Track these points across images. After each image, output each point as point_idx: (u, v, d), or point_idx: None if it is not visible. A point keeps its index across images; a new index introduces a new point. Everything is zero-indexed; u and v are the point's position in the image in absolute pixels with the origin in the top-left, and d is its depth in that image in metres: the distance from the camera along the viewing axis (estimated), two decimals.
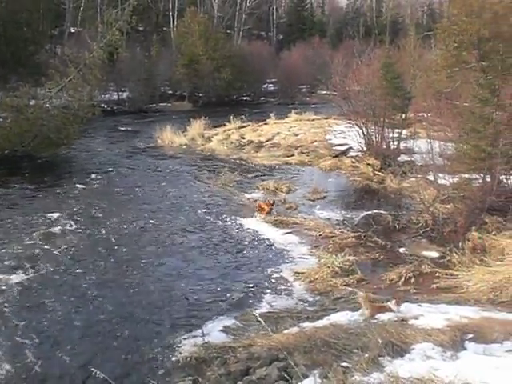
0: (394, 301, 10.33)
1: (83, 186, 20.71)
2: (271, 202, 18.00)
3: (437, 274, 12.66)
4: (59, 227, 16.01)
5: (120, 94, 45.55)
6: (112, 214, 17.57)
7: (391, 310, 10.07)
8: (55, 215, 16.97)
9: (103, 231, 16.05)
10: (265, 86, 57.79)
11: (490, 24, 19.46)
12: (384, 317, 9.78)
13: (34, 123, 23.64)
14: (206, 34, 49.79)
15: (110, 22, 26.74)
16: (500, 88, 15.46)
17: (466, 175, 16.54)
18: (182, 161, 26.34)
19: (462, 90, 19.85)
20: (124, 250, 14.74)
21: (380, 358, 7.56)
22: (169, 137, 30.12)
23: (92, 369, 5.72)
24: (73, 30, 50.79)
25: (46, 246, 14.48)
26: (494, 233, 14.25)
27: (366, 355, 7.56)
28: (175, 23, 57.22)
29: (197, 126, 32.28)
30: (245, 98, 54.26)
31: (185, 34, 51.05)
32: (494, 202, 15.18)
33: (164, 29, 61.79)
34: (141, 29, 55.26)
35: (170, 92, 50.84)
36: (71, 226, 16.23)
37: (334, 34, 77.47)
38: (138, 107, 43.56)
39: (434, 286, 12.16)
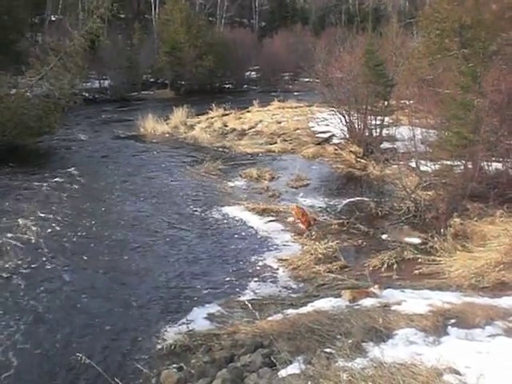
0: (377, 286, 10.40)
1: (66, 175, 20.52)
2: (311, 218, 15.72)
3: (419, 260, 12.76)
4: (43, 214, 15.95)
5: (102, 82, 45.15)
6: (96, 202, 17.56)
7: (375, 296, 10.14)
8: (38, 203, 16.88)
9: (87, 219, 16.00)
10: (247, 73, 57.49)
11: (472, 11, 19.52)
12: (367, 303, 9.85)
13: (15, 112, 23.35)
14: (188, 22, 49.29)
15: (91, 9, 26.53)
16: (481, 75, 15.54)
17: (448, 162, 16.63)
18: (165, 149, 26.22)
19: (444, 77, 19.93)
20: (108, 237, 14.73)
21: (363, 344, 7.62)
22: (151, 125, 29.94)
23: (77, 354, 5.70)
24: (53, 18, 50.19)
25: (25, 235, 14.41)
26: (475, 219, 14.36)
27: (350, 341, 7.62)
28: (157, 10, 56.70)
29: (179, 114, 32.11)
30: (227, 86, 53.96)
31: (166, 21, 50.56)
32: (476, 189, 15.28)
33: (146, 16, 61.28)
34: (122, 16, 54.72)
35: (152, 80, 50.47)
36: (55, 213, 16.17)
37: (317, 22, 77.09)
38: (119, 95, 43.23)
39: (417, 271, 12.26)
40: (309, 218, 15.45)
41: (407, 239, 14.45)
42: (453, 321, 8.55)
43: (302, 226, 15.34)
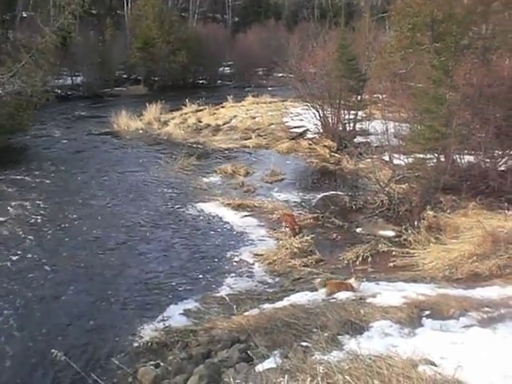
0: (354, 279, 10.43)
1: (39, 172, 20.33)
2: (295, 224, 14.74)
3: (393, 253, 12.89)
4: (18, 211, 15.87)
5: (74, 78, 44.66)
6: (71, 199, 17.42)
7: (352, 289, 10.18)
8: (12, 200, 16.76)
9: (64, 215, 15.92)
10: (221, 69, 57.31)
11: (444, 5, 19.65)
12: (342, 296, 9.90)
13: None
14: (161, 17, 48.95)
15: (63, 5, 26.15)
16: (453, 69, 15.69)
17: (421, 155, 16.78)
18: (139, 145, 26.08)
19: (416, 71, 20.09)
20: (85, 233, 14.65)
21: (339, 337, 7.67)
22: (125, 121, 29.75)
23: (54, 350, 5.67)
24: (25, 15, 49.27)
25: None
26: (448, 211, 14.52)
27: (326, 334, 7.66)
28: (129, 6, 56.22)
29: (153, 110, 31.97)
30: (201, 82, 53.74)
31: (139, 17, 50.19)
32: (448, 181, 15.45)
33: (118, 12, 60.69)
34: (94, 12, 54.16)
35: (125, 76, 50.09)
36: (30, 209, 16.06)
37: (290, 17, 77.06)
38: (92, 92, 42.83)
39: (391, 264, 12.38)
40: (296, 225, 14.65)
41: (381, 232, 14.57)
42: (427, 312, 8.64)
43: (289, 230, 14.60)
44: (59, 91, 38.98)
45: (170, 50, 47.54)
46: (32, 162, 22.51)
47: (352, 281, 10.36)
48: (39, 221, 15.38)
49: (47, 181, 19.32)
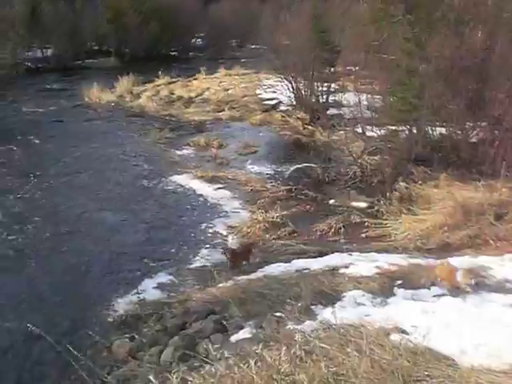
0: (462, 271, 8.73)
1: (9, 147, 20.08)
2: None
3: (366, 224, 12.98)
4: None
5: (44, 51, 43.87)
6: (41, 173, 17.24)
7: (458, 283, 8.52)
8: None
9: (34, 190, 15.78)
10: (194, 40, 56.84)
11: None
12: (315, 266, 9.99)
13: None
14: None
15: None
16: (426, 41, 15.72)
17: (393, 127, 16.85)
18: (111, 118, 25.83)
19: (390, 43, 20.08)
20: (56, 207, 14.63)
21: (312, 307, 7.73)
22: (96, 94, 29.44)
23: (29, 324, 5.67)
24: None
25: None
26: (420, 182, 14.62)
27: (299, 304, 7.71)
28: None
29: (125, 83, 31.67)
30: (173, 53, 53.19)
31: None
32: (420, 153, 15.57)
33: None
34: None
35: (96, 48, 49.39)
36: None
37: None
38: (63, 64, 41.98)
39: (364, 235, 12.49)
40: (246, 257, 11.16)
41: (354, 204, 14.65)
42: (399, 282, 8.73)
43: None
44: (29, 64, 38.39)
45: (142, 21, 46.80)
46: (1, 133, 22.20)
47: (460, 273, 8.58)
48: (10, 190, 15.44)
49: (19, 152, 19.12)
